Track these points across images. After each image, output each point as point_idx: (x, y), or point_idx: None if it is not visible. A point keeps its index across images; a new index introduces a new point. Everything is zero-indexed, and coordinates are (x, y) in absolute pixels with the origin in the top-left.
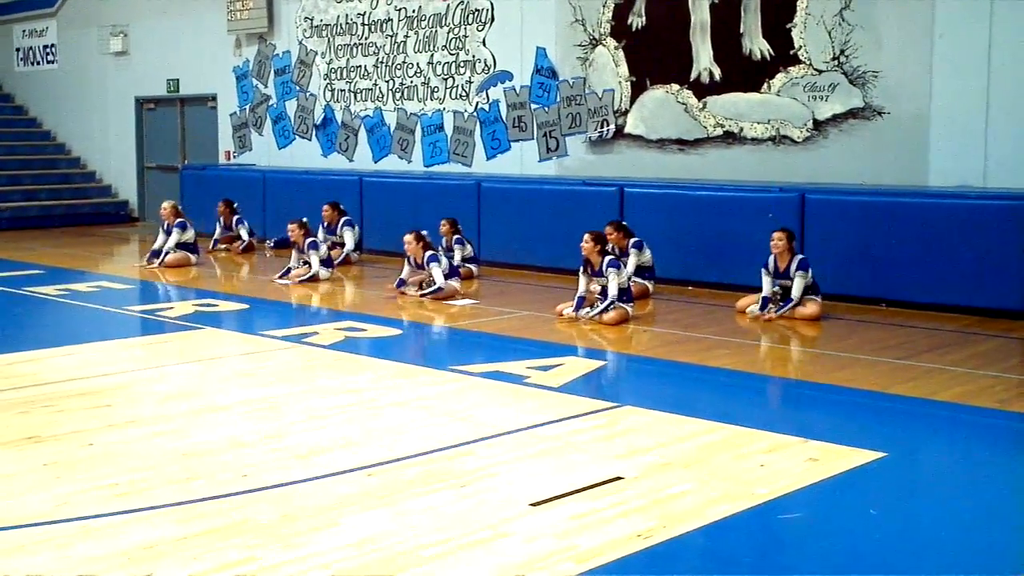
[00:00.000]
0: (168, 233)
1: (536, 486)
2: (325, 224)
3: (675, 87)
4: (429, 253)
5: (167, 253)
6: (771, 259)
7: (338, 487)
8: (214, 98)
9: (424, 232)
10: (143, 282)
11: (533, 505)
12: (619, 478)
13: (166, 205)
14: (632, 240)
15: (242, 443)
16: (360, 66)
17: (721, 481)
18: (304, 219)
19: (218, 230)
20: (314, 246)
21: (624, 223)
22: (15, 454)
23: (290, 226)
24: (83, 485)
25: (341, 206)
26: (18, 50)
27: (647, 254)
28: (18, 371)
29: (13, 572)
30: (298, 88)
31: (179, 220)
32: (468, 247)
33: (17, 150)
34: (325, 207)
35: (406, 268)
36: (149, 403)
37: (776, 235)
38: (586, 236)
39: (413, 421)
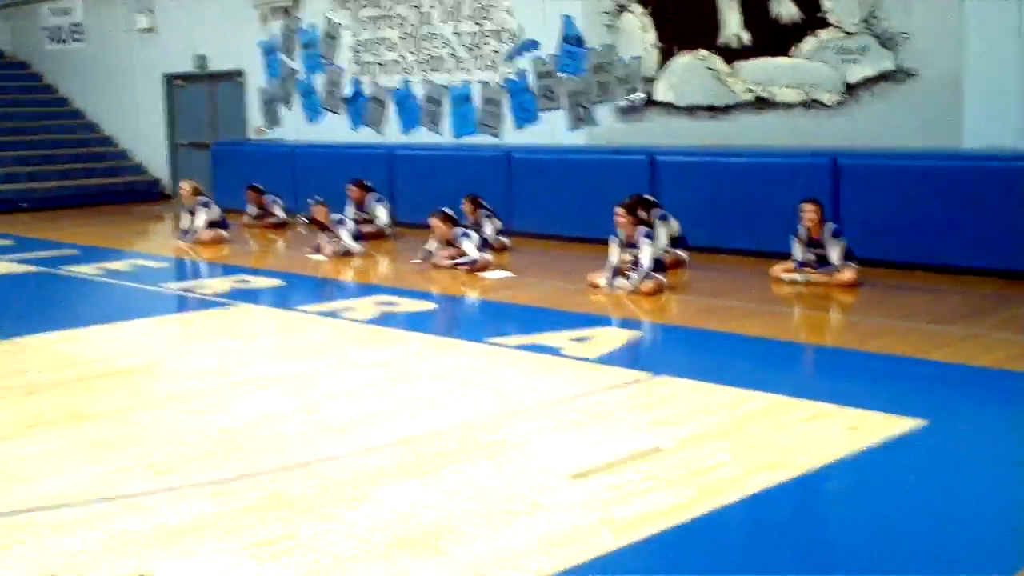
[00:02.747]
0: (192, 213)
1: (573, 458)
2: (353, 202)
3: (704, 53)
4: (459, 230)
5: (197, 231)
6: (801, 228)
7: (374, 460)
8: (242, 74)
9: (448, 210)
10: (178, 260)
11: (571, 477)
12: (657, 449)
13: (184, 186)
14: (656, 212)
15: (278, 418)
16: (386, 38)
17: (759, 451)
18: (321, 199)
19: (251, 211)
20: (341, 222)
21: (646, 196)
22: (57, 432)
23: (313, 207)
24: (123, 463)
25: (367, 183)
26: (45, 29)
27: (675, 224)
28: (58, 350)
29: (54, 548)
30: (325, 61)
31: (200, 199)
32: (497, 221)
33: (49, 129)
34: (350, 186)
35: (433, 242)
36: (186, 380)
37: (807, 207)
38: (618, 209)
39: (449, 394)
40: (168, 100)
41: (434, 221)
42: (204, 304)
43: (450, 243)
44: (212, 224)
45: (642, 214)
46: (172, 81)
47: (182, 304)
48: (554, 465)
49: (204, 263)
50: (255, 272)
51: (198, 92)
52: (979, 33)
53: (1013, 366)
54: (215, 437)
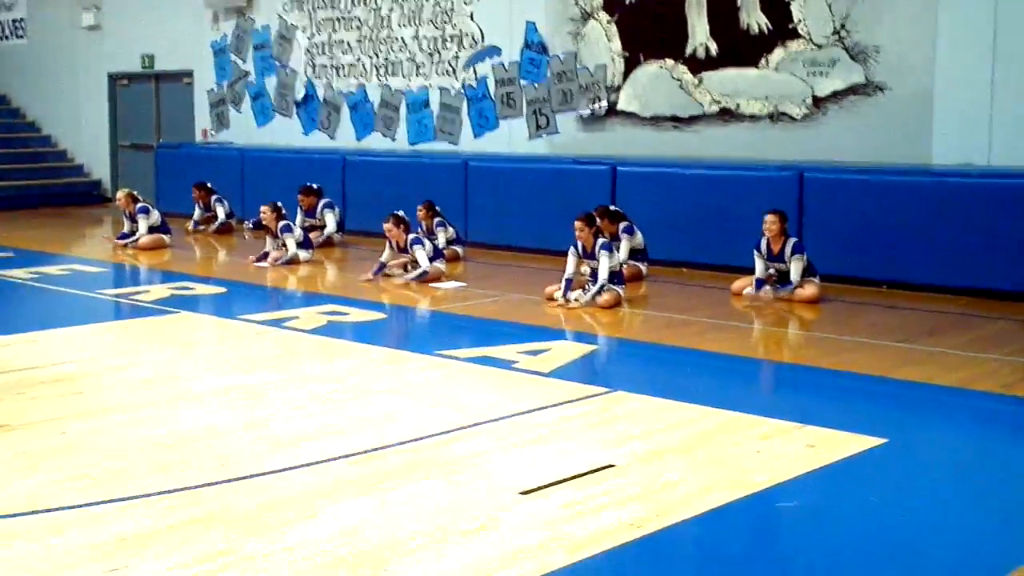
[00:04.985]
0: (132, 220)
1: (526, 474)
2: (303, 208)
3: (670, 62)
4: (412, 236)
5: (138, 239)
6: (763, 241)
7: (320, 476)
8: (190, 74)
9: (401, 213)
10: (116, 265)
11: (523, 494)
12: (611, 466)
13: (120, 195)
14: (622, 225)
15: (220, 432)
16: (343, 41)
17: (716, 468)
18: (278, 203)
19: (197, 212)
20: (287, 229)
21: (613, 208)
22: None
23: (262, 209)
24: (56, 475)
25: (315, 186)
26: None
27: (639, 237)
28: None
29: None
30: (278, 64)
31: (139, 206)
32: (451, 229)
33: None
34: (300, 196)
35: (387, 251)
36: (124, 390)
37: (769, 217)
38: (577, 222)
39: (398, 408)
40: (112, 100)
41: (387, 225)
42: (143, 311)
43: (402, 248)
44: (153, 229)
45: (606, 225)
46: (117, 81)
47: (120, 311)
48: (506, 482)
49: (144, 269)
50: (197, 279)
51: (144, 92)
52: (951, 48)
53: (976, 385)
54: (154, 450)
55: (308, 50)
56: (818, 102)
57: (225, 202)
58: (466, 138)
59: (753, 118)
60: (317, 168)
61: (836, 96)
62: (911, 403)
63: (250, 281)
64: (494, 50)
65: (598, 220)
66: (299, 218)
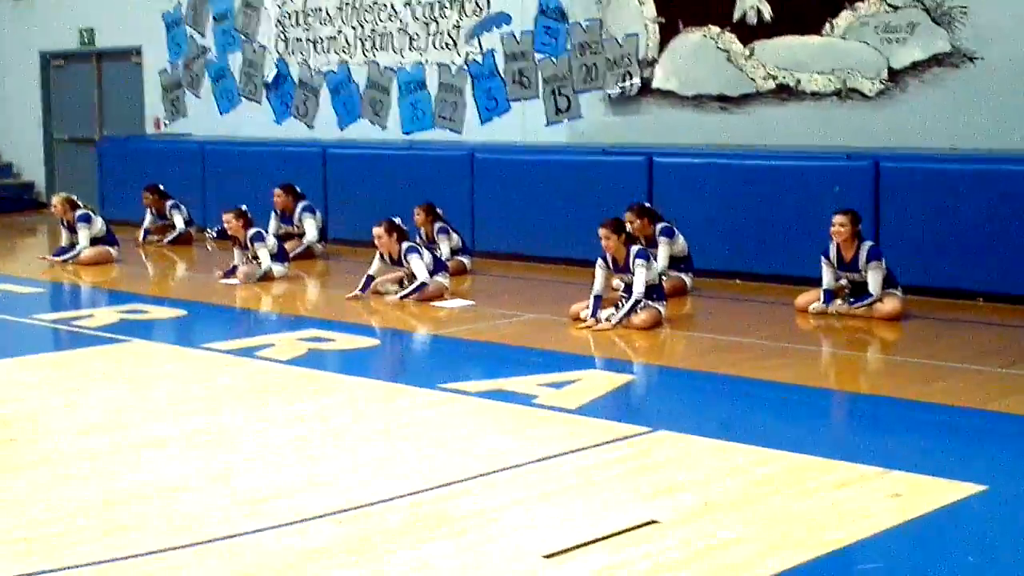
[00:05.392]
0: (72, 231)
1: (549, 534)
2: (278, 212)
3: (715, 30)
4: (406, 245)
5: (79, 252)
6: (832, 247)
7: (302, 538)
8: (138, 52)
9: (397, 220)
10: (54, 284)
11: (546, 558)
12: (653, 522)
13: (56, 202)
14: (660, 226)
15: (181, 486)
16: (320, 8)
17: (780, 525)
18: (243, 207)
19: (148, 219)
20: (259, 238)
21: (648, 206)
22: None
23: (225, 217)
24: None
25: (297, 188)
26: None
27: (680, 242)
28: None
29: None
30: (243, 38)
31: (80, 213)
32: (455, 237)
33: None
34: (277, 191)
35: (376, 263)
36: (65, 437)
37: (838, 219)
38: (602, 230)
39: (395, 455)
40: (45, 85)
41: (378, 231)
42: (87, 340)
43: (396, 261)
44: (96, 241)
45: (642, 227)
46: (50, 61)
47: (59, 340)
48: (526, 543)
49: (87, 289)
50: (151, 300)
51: (83, 74)
52: None
53: None
54: (102, 510)
55: (279, 20)
56: (895, 76)
57: (183, 208)
58: (471, 125)
59: (816, 96)
60: (293, 164)
61: (916, 68)
62: (1016, 441)
63: (215, 302)
64: (503, 17)
65: (633, 222)
66: (273, 224)
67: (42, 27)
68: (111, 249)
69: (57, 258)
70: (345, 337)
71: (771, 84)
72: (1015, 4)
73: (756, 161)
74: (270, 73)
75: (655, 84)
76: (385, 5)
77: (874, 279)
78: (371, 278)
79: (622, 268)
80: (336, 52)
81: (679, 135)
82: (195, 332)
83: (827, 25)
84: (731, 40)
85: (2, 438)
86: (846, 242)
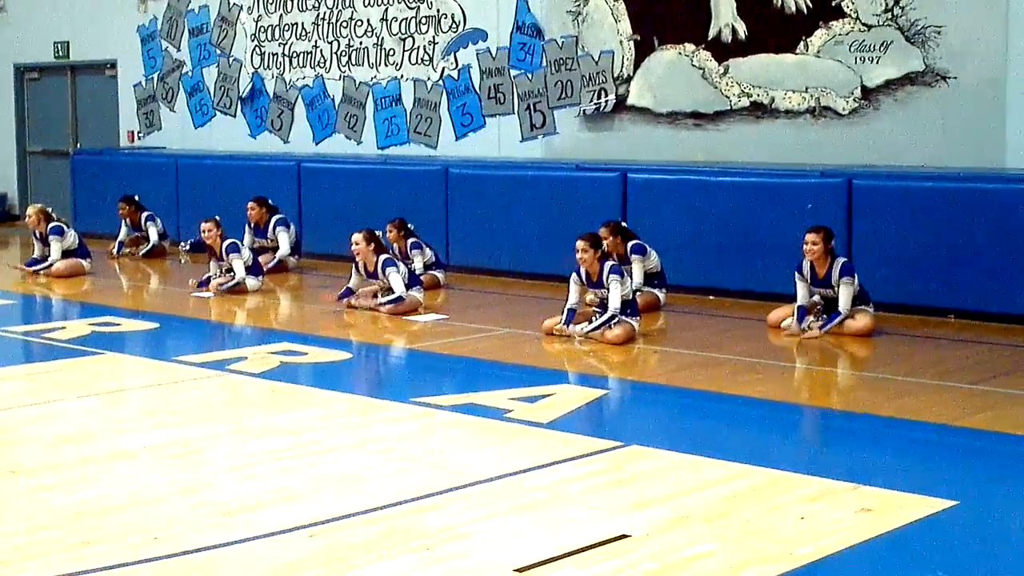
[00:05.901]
0: (44, 243)
1: (521, 548)
2: (252, 225)
3: (690, 48)
4: (384, 257)
5: (51, 264)
6: (806, 263)
7: (273, 552)
8: (113, 65)
9: (378, 232)
10: (26, 296)
11: (518, 571)
12: (625, 536)
13: (31, 212)
14: (632, 244)
15: (152, 499)
16: (296, 24)
17: (751, 539)
18: (216, 217)
19: (123, 231)
20: (234, 248)
21: (622, 223)
22: None
23: (204, 226)
24: None
25: (271, 202)
26: None
27: (653, 258)
28: None
29: None
30: (219, 52)
31: (53, 225)
32: (428, 251)
33: None
34: (251, 204)
35: (354, 277)
36: (35, 449)
37: (810, 237)
38: (580, 243)
39: (367, 468)
40: (19, 97)
41: (357, 238)
42: (58, 353)
43: (371, 274)
44: (69, 253)
45: (615, 244)
46: (25, 74)
47: (30, 353)
48: (498, 557)
49: (59, 301)
50: (123, 313)
51: (58, 88)
52: None
53: None
54: (72, 522)
55: (255, 35)
56: (868, 94)
57: (158, 220)
58: (446, 140)
59: (790, 114)
60: (267, 178)
61: (890, 86)
62: (986, 457)
63: (187, 315)
64: (479, 33)
65: (607, 238)
66: (247, 237)
67: (17, 40)
68: (83, 262)
69: (29, 268)
70: (318, 351)
71: (745, 102)
72: (988, 24)
73: (730, 178)
74: (246, 88)
75: (630, 101)
76: (361, 21)
77: (845, 295)
78: (350, 290)
79: (596, 283)
80: (312, 67)
81: (653, 152)
82: (167, 345)
83: (802, 44)
84: (706, 58)
85: None
86: (819, 259)
